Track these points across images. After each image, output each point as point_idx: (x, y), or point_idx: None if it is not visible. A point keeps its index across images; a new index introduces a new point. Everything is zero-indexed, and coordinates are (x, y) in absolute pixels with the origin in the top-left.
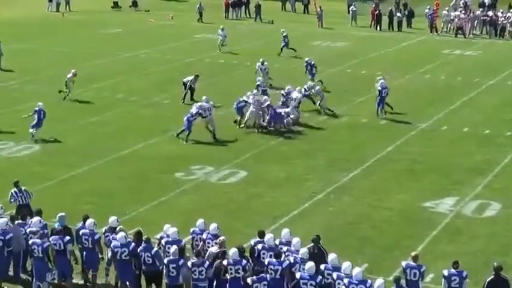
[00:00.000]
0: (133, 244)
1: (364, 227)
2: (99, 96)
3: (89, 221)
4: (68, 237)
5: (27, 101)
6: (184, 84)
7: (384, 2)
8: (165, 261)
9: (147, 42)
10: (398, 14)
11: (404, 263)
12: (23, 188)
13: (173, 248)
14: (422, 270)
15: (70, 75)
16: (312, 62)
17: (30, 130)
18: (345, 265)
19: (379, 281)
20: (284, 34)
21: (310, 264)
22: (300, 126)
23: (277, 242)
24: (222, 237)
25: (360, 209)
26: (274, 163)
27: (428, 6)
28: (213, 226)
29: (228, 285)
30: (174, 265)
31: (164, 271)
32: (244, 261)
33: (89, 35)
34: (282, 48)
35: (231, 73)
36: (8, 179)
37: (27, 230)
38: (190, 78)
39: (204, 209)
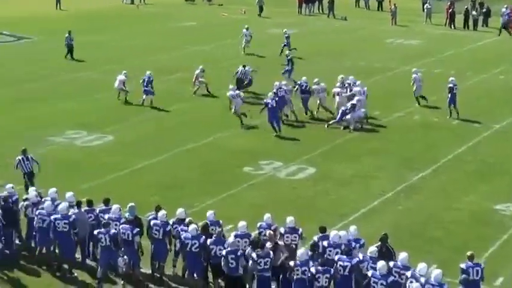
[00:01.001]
0: (203, 237)
1: (433, 228)
2: (170, 89)
3: (162, 213)
4: (137, 229)
5: (100, 92)
6: (238, 79)
7: (461, 1)
8: (224, 252)
9: (219, 36)
10: (474, 13)
11: (463, 265)
12: (29, 156)
13: (231, 239)
14: (482, 267)
15: (197, 71)
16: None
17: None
18: (421, 266)
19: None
20: (286, 35)
21: (382, 264)
22: (370, 124)
23: (341, 241)
24: (268, 231)
25: (429, 209)
26: (343, 160)
27: (506, 6)
28: (290, 219)
29: (293, 284)
30: (233, 256)
31: (223, 262)
32: (311, 263)
33: (162, 28)
34: (282, 49)
35: (299, 68)
36: (81, 168)
37: (106, 217)
38: (240, 69)
39: (271, 204)
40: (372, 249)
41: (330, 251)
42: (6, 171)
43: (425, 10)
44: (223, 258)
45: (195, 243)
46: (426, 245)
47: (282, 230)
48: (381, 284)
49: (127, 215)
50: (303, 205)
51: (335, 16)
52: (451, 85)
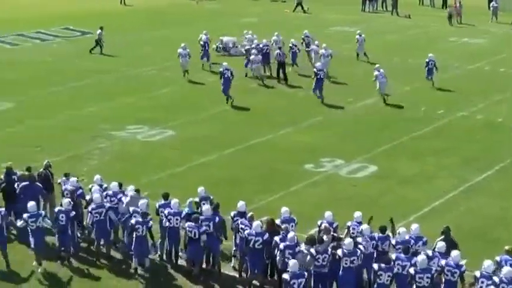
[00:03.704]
0: (267, 234)
1: (496, 229)
2: (232, 85)
3: (206, 207)
4: (204, 228)
5: (162, 87)
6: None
7: None
8: (281, 246)
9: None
10: None
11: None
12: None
13: (291, 234)
14: None
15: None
16: None
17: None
18: (487, 263)
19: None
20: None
21: (422, 257)
22: (432, 123)
23: (407, 237)
24: (324, 224)
25: (492, 210)
26: (405, 159)
27: None
28: (358, 214)
29: (340, 273)
30: (291, 251)
31: (278, 257)
32: (358, 251)
33: (223, 24)
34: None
35: (360, 64)
36: (141, 162)
37: (166, 212)
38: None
39: (332, 201)
40: (441, 244)
41: (398, 249)
42: (70, 164)
43: (491, 8)
44: (279, 252)
45: (258, 240)
46: (488, 246)
47: (349, 223)
48: (427, 277)
49: (186, 209)
50: (364, 203)
51: (399, 14)
52: (427, 60)
